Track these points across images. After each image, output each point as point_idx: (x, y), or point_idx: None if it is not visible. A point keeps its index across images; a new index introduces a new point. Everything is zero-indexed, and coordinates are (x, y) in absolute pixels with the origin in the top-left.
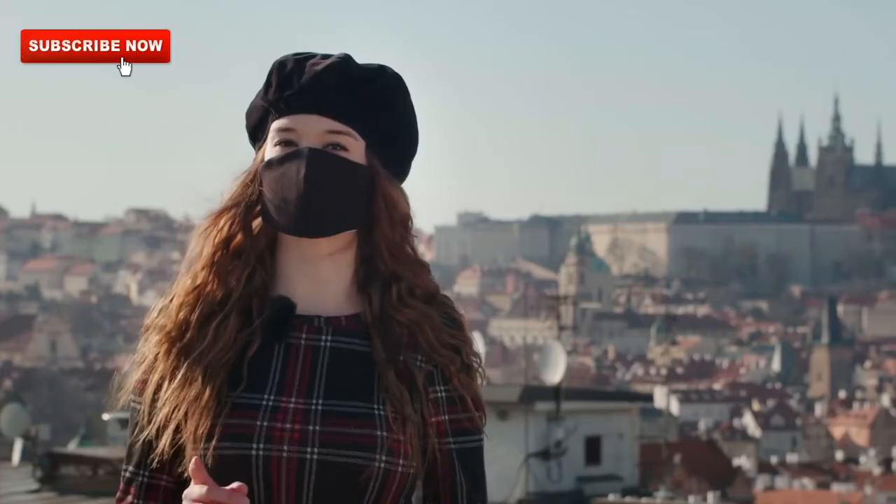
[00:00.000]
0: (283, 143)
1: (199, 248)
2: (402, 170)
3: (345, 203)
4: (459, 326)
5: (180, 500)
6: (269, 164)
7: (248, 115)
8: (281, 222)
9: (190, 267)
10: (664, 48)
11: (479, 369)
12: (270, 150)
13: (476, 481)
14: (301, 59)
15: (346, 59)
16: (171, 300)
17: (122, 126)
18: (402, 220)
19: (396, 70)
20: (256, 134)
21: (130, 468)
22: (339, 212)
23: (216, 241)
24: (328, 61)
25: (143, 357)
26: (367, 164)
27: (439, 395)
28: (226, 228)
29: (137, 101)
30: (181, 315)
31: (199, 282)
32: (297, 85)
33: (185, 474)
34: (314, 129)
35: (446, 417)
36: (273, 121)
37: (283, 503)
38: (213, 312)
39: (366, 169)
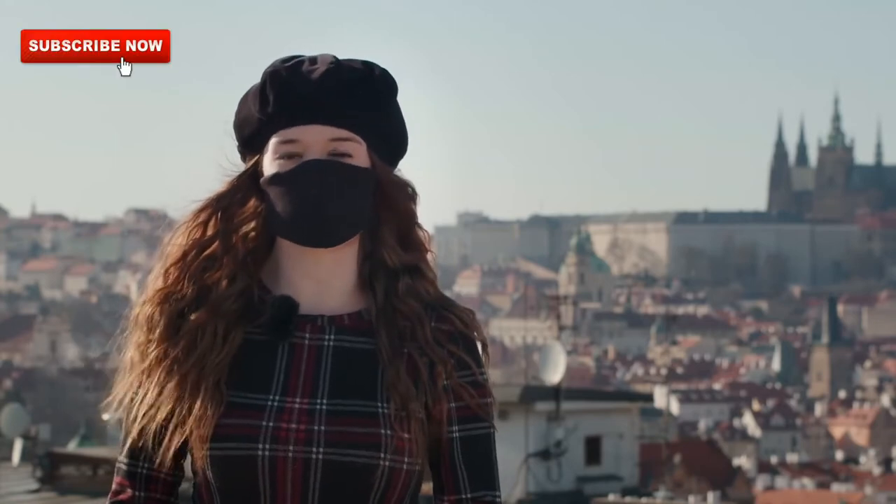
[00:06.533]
0: (286, 155)
1: (175, 244)
2: (396, 162)
3: (357, 210)
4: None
5: (178, 492)
6: (277, 179)
7: (240, 126)
8: (294, 235)
9: (164, 263)
10: (664, 48)
11: (486, 356)
12: (273, 164)
13: (481, 470)
14: (292, 67)
15: (338, 63)
16: (146, 298)
17: (122, 126)
18: (412, 201)
19: (396, 69)
20: (250, 144)
21: (127, 460)
22: (352, 220)
23: (191, 239)
24: (322, 68)
25: (129, 354)
26: (372, 166)
27: (445, 382)
28: (202, 229)
29: (137, 101)
30: (155, 313)
31: (170, 280)
32: (295, 96)
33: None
34: (318, 139)
35: (451, 405)
36: (272, 132)
37: (289, 503)
38: (191, 312)
39: (372, 172)
